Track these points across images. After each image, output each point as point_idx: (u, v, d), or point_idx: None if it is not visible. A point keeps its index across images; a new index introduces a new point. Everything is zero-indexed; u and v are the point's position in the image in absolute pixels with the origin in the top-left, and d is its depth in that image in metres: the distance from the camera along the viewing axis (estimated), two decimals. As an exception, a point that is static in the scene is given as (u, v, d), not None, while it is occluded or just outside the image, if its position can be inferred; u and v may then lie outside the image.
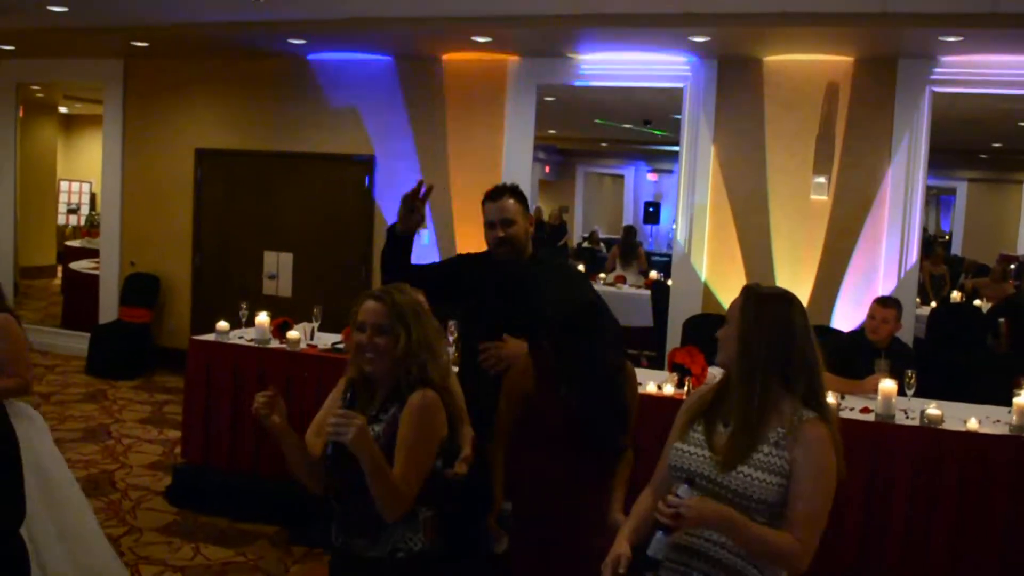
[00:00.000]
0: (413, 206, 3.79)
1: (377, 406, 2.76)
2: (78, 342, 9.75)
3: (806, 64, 7.33)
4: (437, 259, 8.25)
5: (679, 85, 7.68)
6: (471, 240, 7.94)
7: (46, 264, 14.80)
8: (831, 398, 4.76)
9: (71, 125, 17.10)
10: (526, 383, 3.36)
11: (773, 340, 2.47)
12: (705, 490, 2.44)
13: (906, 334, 6.78)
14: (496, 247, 3.87)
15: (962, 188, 16.54)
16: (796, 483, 2.39)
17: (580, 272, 4.53)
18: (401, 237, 3.84)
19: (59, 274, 13.83)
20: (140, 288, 9.56)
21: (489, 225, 3.86)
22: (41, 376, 9.08)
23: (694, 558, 2.48)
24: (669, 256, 9.77)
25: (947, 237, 17.73)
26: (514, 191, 3.91)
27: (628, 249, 11.71)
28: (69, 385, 8.83)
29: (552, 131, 14.62)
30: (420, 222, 3.83)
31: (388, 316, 2.71)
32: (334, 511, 2.81)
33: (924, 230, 14.58)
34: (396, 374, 2.73)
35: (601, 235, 17.42)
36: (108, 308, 9.77)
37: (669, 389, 5.07)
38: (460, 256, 4.28)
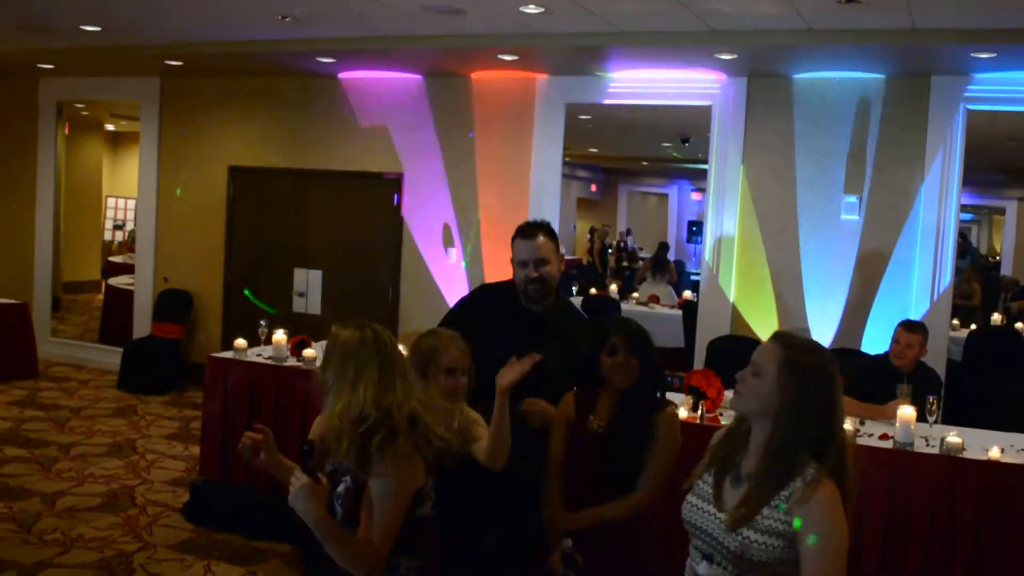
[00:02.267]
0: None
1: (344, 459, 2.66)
2: (113, 357, 9.85)
3: (836, 82, 7.21)
4: (465, 278, 8.24)
5: (708, 103, 7.59)
6: (498, 259, 7.93)
7: (91, 279, 15.02)
8: (849, 424, 4.64)
9: (118, 142, 17.37)
10: (569, 417, 3.44)
11: (816, 417, 2.33)
12: (706, 550, 2.40)
13: (939, 357, 6.62)
14: (527, 285, 3.73)
15: (1011, 207, 16.18)
16: (807, 549, 2.25)
17: (592, 329, 4.45)
18: None
19: (103, 289, 14.03)
20: (173, 304, 9.65)
21: (521, 264, 3.72)
22: (74, 390, 9.20)
23: None
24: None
25: (997, 258, 17.35)
26: (547, 230, 3.78)
27: (659, 264, 11.82)
28: (100, 400, 8.92)
29: (593, 149, 14.56)
30: None
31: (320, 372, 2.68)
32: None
33: (976, 250, 14.33)
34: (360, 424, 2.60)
35: (642, 254, 17.32)
36: (142, 323, 9.88)
37: (683, 413, 4.98)
38: (470, 300, 4.14)
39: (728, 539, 2.34)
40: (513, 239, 3.80)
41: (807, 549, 2.25)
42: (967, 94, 6.90)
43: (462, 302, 4.15)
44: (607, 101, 7.97)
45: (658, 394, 3.40)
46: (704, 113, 7.73)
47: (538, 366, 3.26)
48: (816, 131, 7.29)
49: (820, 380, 2.37)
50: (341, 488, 2.63)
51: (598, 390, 3.44)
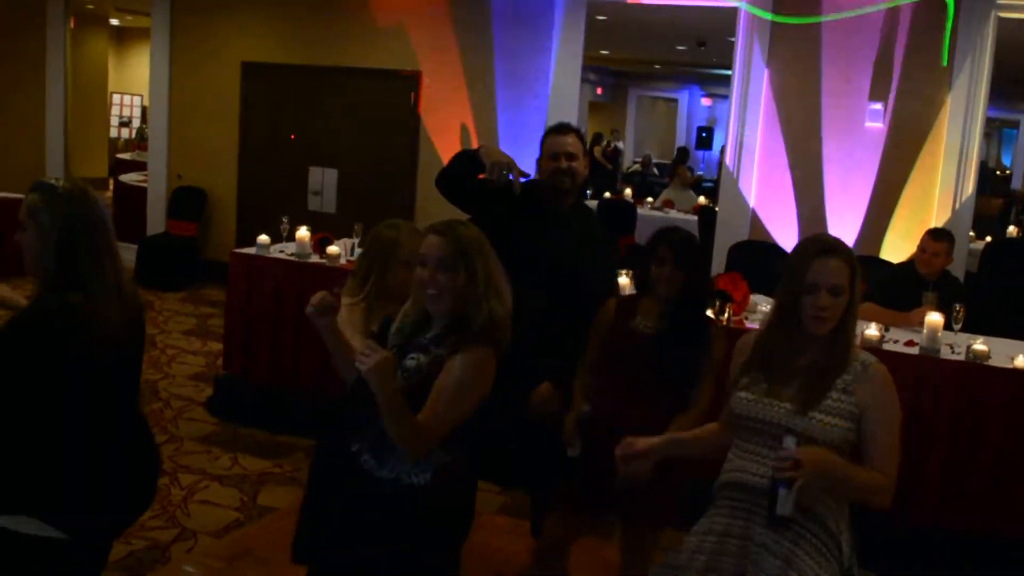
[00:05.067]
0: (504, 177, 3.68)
1: (430, 337, 2.64)
2: (126, 253, 9.71)
3: (867, -15, 7.07)
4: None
5: (735, 5, 7.45)
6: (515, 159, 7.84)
7: (98, 176, 14.94)
8: (875, 330, 4.67)
9: (123, 38, 17.12)
10: (608, 320, 3.48)
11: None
12: (774, 443, 2.47)
13: (958, 268, 6.62)
14: (557, 176, 3.80)
15: (1025, 120, 16.07)
16: (870, 423, 2.47)
17: (611, 240, 4.56)
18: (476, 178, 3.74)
19: (111, 186, 13.97)
20: (187, 201, 9.63)
21: (553, 156, 3.80)
22: (89, 286, 9.22)
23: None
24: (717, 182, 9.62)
25: (1008, 172, 17.27)
26: (578, 132, 3.92)
27: (673, 167, 11.82)
28: (116, 295, 8.94)
29: (604, 52, 14.36)
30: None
31: (452, 252, 2.57)
32: (357, 422, 2.67)
33: (984, 163, 14.25)
34: (456, 312, 2.60)
35: (654, 159, 17.22)
36: (156, 221, 9.87)
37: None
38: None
39: (797, 422, 2.46)
40: (544, 137, 3.90)
41: (871, 423, 2.47)
42: (1000, 1, 6.76)
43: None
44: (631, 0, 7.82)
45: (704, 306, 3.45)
46: (724, 17, 7.59)
47: (561, 262, 3.45)
48: (843, 36, 7.17)
49: (860, 272, 2.57)
50: (412, 364, 2.61)
51: (640, 297, 3.49)
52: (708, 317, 3.50)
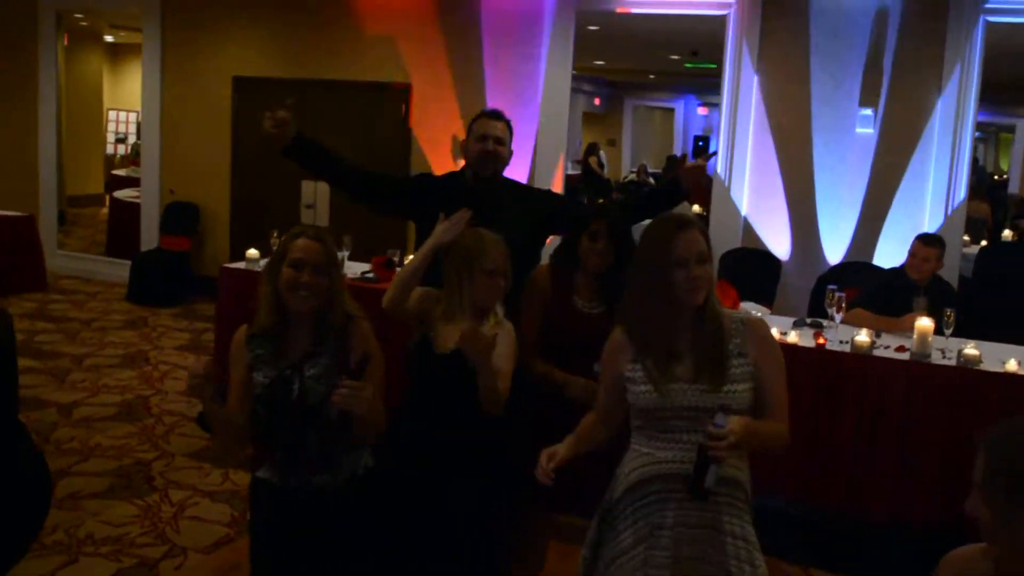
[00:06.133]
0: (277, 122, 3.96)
1: (307, 347, 2.78)
2: (121, 270, 9.85)
3: (855, -9, 7.07)
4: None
5: (723, 13, 7.46)
6: (508, 171, 7.83)
7: (95, 193, 14.96)
8: (865, 336, 4.65)
9: (117, 54, 17.13)
10: (545, 293, 3.49)
11: None
12: (692, 426, 2.49)
13: (951, 273, 6.60)
14: (481, 159, 3.85)
15: (1021, 125, 16.02)
16: (764, 377, 2.54)
17: (544, 190, 4.62)
18: (289, 150, 4.07)
19: (107, 203, 13.99)
20: (180, 216, 9.62)
21: (480, 138, 3.85)
22: (83, 303, 9.23)
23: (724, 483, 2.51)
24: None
25: (1004, 176, 17.25)
26: (509, 122, 3.98)
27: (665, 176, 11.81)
28: (110, 312, 8.94)
29: (600, 62, 14.36)
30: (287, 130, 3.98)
31: (325, 256, 2.74)
32: (276, 460, 2.86)
33: (982, 168, 14.23)
34: (319, 312, 2.77)
35: (649, 169, 17.20)
36: (149, 236, 9.86)
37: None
38: (421, 175, 4.35)
39: (712, 400, 2.47)
40: (474, 120, 3.96)
41: (765, 377, 2.54)
42: (987, 5, 6.77)
43: (416, 175, 4.37)
44: (619, 9, 7.82)
45: None
46: (716, 25, 7.59)
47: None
48: (832, 42, 7.17)
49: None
50: (318, 371, 2.77)
51: (573, 270, 3.51)
52: None
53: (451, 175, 4.15)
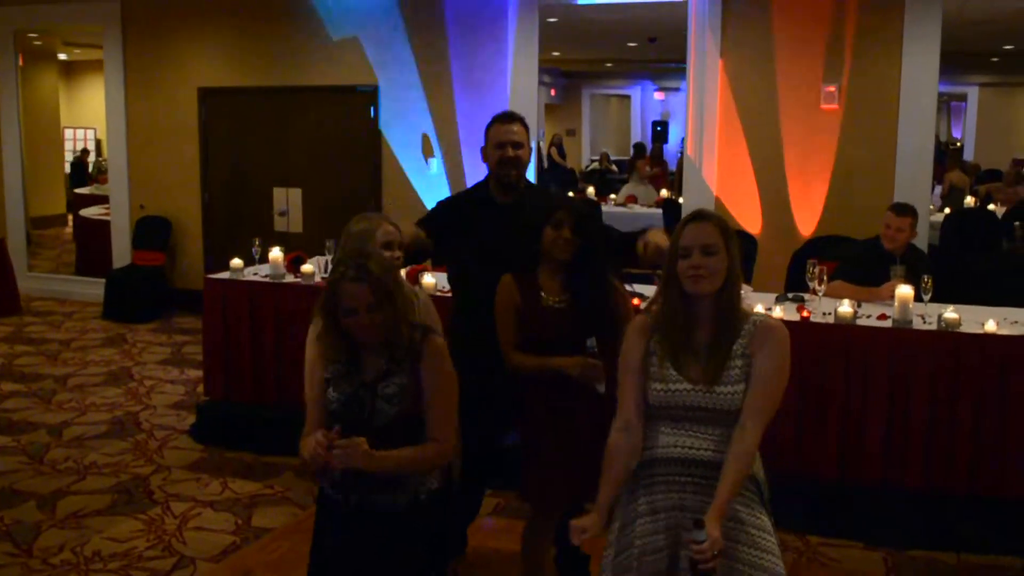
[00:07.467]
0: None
1: (384, 364, 2.78)
2: (94, 288, 9.79)
3: (813, -31, 7.19)
4: (446, 186, 8.23)
5: (683, -1, 7.55)
6: (478, 166, 7.87)
7: (56, 213, 14.80)
8: (848, 306, 4.76)
9: (72, 72, 16.96)
10: (514, 298, 3.49)
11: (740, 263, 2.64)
12: (695, 418, 2.57)
13: (921, 242, 6.73)
14: (502, 167, 3.87)
15: (973, 93, 16.29)
16: (755, 383, 2.54)
17: (568, 196, 4.66)
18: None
19: (69, 223, 13.85)
20: (152, 231, 9.57)
21: (498, 145, 3.86)
22: (60, 323, 9.17)
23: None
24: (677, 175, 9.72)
25: (959, 144, 17.50)
26: (523, 121, 3.96)
27: (631, 163, 11.91)
28: (88, 331, 8.89)
29: (556, 53, 14.42)
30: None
31: (373, 294, 2.69)
32: (339, 477, 2.80)
33: (935, 137, 14.43)
34: (391, 335, 2.76)
35: (612, 157, 17.30)
36: (121, 253, 9.80)
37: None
38: (440, 204, 4.22)
39: (714, 401, 2.54)
40: (489, 126, 3.95)
41: (757, 377, 2.53)
42: (943, -23, 6.91)
43: (438, 204, 4.25)
44: (582, 1, 7.88)
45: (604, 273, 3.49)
46: (674, 11, 7.68)
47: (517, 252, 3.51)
48: (794, 21, 7.28)
49: (735, 238, 2.64)
50: (392, 390, 2.73)
51: (536, 269, 3.51)
52: (605, 276, 3.49)
53: (475, 188, 4.11)
